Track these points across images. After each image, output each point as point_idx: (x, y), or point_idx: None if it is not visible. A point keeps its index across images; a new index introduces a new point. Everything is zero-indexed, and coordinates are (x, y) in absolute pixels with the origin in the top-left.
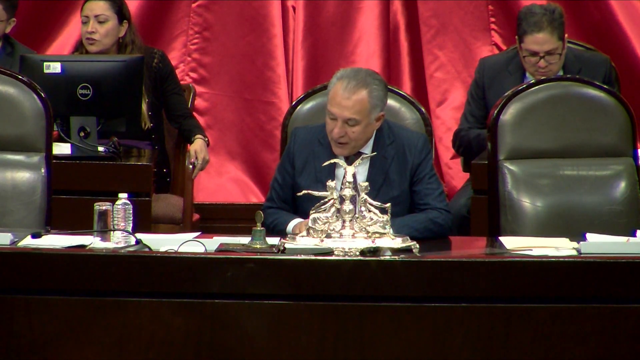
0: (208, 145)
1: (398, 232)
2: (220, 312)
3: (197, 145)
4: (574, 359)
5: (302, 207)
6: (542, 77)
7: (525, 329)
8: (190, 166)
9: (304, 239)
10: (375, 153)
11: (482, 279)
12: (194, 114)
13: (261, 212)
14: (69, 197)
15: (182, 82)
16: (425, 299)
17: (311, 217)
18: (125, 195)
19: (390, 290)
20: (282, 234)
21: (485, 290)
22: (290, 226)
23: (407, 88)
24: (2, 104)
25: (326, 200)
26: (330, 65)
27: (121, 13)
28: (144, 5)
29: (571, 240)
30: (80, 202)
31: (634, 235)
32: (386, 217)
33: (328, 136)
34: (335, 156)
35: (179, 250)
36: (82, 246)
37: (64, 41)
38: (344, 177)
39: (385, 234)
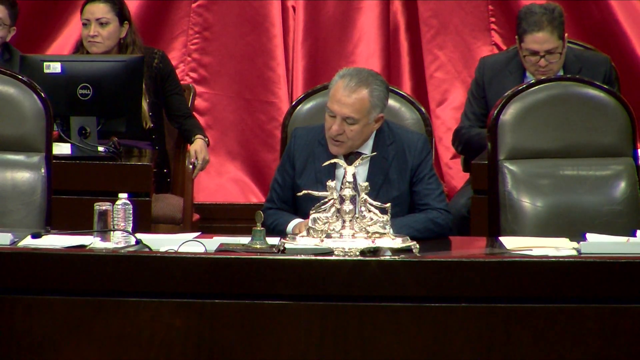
0: (208, 145)
1: (398, 232)
2: (220, 312)
3: (197, 146)
4: (574, 359)
5: (302, 208)
6: (543, 77)
7: (525, 329)
8: (191, 166)
9: (304, 239)
10: (375, 153)
11: (482, 279)
12: (194, 114)
13: (261, 212)
14: (69, 197)
15: (182, 82)
16: (425, 299)
17: (311, 217)
18: (125, 195)
19: (390, 290)
20: (283, 234)
21: (485, 290)
22: (290, 226)
23: (407, 88)
24: (2, 104)
25: (326, 200)
26: (330, 65)
27: (122, 14)
28: (144, 5)
29: (571, 240)
30: (80, 202)
31: (634, 235)
32: (386, 217)
33: (326, 134)
34: (335, 156)
35: (179, 250)
36: (82, 246)
37: (64, 41)
38: (344, 177)
39: (385, 234)
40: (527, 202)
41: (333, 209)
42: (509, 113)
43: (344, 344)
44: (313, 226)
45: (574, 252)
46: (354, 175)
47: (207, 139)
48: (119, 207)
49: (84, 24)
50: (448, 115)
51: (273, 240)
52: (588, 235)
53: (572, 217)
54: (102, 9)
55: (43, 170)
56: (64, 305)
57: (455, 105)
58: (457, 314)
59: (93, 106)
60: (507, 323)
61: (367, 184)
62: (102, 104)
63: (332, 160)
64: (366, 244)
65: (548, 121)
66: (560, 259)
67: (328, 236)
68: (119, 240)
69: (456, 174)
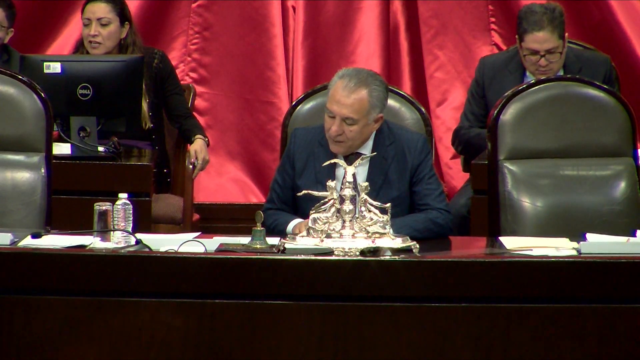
0: (208, 145)
1: (398, 232)
2: (220, 312)
3: (197, 146)
4: (574, 359)
5: (302, 208)
6: (543, 76)
7: (525, 329)
8: (191, 166)
9: (304, 239)
10: (375, 153)
11: (482, 279)
12: (194, 114)
13: (261, 212)
14: (69, 197)
15: (182, 82)
16: (425, 299)
17: (311, 217)
18: (125, 195)
19: (390, 290)
20: (283, 234)
21: (485, 290)
22: (290, 226)
23: (407, 88)
24: (2, 104)
25: (326, 200)
26: (330, 65)
27: (123, 15)
28: (144, 5)
29: (571, 240)
30: (80, 202)
31: (634, 235)
32: (386, 217)
33: (326, 134)
34: (335, 156)
35: (179, 250)
36: (82, 246)
37: (64, 41)
38: (343, 177)
39: (385, 234)
40: (527, 202)
41: (333, 209)
42: (509, 113)
43: (344, 344)
44: (313, 226)
45: (574, 252)
46: (354, 176)
47: (207, 139)
48: (119, 207)
49: (85, 24)
50: (448, 115)
51: (273, 240)
52: (588, 235)
53: (572, 217)
54: (103, 9)
55: (43, 170)
56: (64, 305)
57: (455, 105)
58: (457, 314)
59: (93, 106)
60: (507, 323)
61: (367, 184)
62: (102, 104)
63: (332, 161)
64: (366, 244)
65: (548, 121)
66: (560, 259)
67: (328, 236)
68: (119, 240)
69: (456, 174)
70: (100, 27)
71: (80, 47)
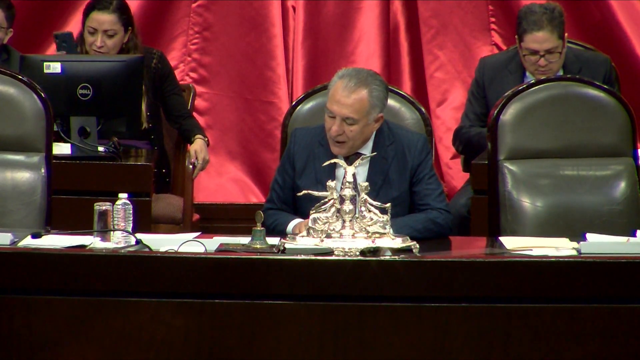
0: (208, 145)
1: (398, 232)
2: (220, 312)
3: (197, 146)
4: (574, 359)
5: (302, 208)
6: (542, 76)
7: (525, 329)
8: (190, 166)
9: (304, 239)
10: (375, 154)
11: (482, 279)
12: (194, 114)
13: (261, 212)
14: (69, 197)
15: (182, 82)
16: (425, 299)
17: (311, 217)
18: (125, 195)
19: (390, 290)
20: (283, 234)
21: (485, 290)
22: (290, 226)
23: (407, 88)
24: (2, 104)
25: (326, 200)
26: (330, 65)
27: (127, 22)
28: (144, 5)
29: (571, 240)
30: (80, 202)
31: (634, 235)
32: (386, 217)
33: (326, 134)
34: (335, 156)
35: (179, 250)
36: (82, 246)
37: None
38: (344, 177)
39: (385, 234)
40: (527, 202)
41: (333, 209)
42: (509, 113)
43: (344, 344)
44: (313, 226)
45: (574, 252)
46: (354, 175)
47: (207, 139)
48: (119, 207)
49: (90, 32)
50: (448, 115)
51: (273, 240)
52: (588, 235)
53: (572, 217)
54: (110, 20)
55: (43, 170)
56: (64, 305)
57: (455, 105)
58: (457, 314)
59: (93, 106)
60: (507, 323)
61: (367, 184)
62: (102, 104)
63: (332, 161)
64: (366, 244)
65: (548, 121)
66: (560, 259)
67: (328, 236)
68: (119, 240)
69: (456, 174)
70: (106, 38)
71: (81, 43)
